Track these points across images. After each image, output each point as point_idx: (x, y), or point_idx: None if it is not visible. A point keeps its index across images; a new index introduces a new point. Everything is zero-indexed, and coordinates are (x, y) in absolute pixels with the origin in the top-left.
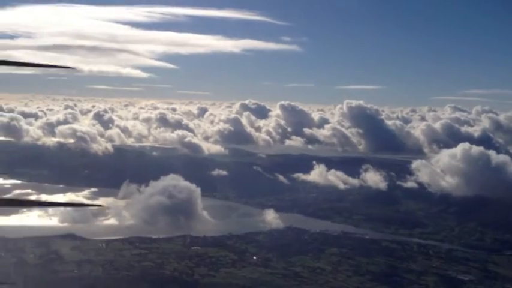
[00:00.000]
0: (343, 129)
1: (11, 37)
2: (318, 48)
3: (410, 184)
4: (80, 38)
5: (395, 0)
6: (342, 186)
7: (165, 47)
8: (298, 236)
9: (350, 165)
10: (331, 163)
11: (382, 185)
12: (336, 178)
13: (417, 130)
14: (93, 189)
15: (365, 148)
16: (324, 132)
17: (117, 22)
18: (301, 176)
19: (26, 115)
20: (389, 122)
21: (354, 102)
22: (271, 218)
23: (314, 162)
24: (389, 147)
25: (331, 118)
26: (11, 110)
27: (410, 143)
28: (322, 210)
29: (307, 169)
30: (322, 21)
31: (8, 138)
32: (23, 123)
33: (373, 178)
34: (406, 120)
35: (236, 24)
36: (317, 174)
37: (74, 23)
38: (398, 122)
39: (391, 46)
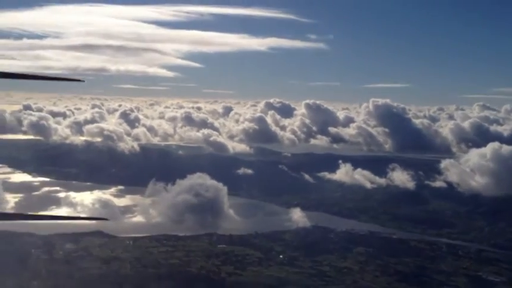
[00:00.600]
0: (369, 128)
1: (40, 37)
2: (344, 46)
3: (438, 184)
4: (107, 37)
5: None
6: (368, 185)
7: (190, 45)
8: (325, 235)
9: (376, 164)
10: (357, 162)
11: (410, 184)
12: (362, 177)
13: (445, 129)
14: (119, 187)
15: (391, 147)
16: (349, 131)
17: (144, 21)
18: (327, 175)
19: (54, 114)
20: (416, 121)
21: (380, 101)
22: (296, 216)
23: (340, 161)
24: (416, 146)
25: (356, 117)
26: (39, 109)
27: (438, 142)
28: (348, 209)
29: (333, 168)
30: (348, 19)
31: (37, 137)
32: (51, 122)
33: (401, 177)
34: (434, 119)
35: (262, 23)
36: (343, 173)
37: (102, 23)
38: (425, 121)
39: (418, 44)
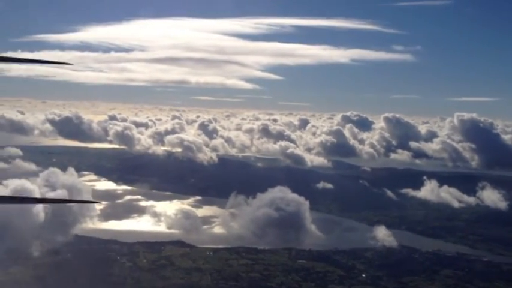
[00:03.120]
0: (454, 144)
1: (127, 50)
2: (432, 57)
3: None
4: (189, 50)
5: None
6: (455, 204)
7: (270, 58)
8: (409, 255)
9: (463, 181)
10: (442, 179)
11: (502, 204)
12: (449, 195)
13: None
14: (197, 198)
15: (479, 164)
16: (432, 146)
17: (225, 34)
18: (411, 192)
19: (137, 124)
20: (505, 137)
21: (466, 115)
22: (378, 234)
23: (424, 177)
24: (506, 163)
25: (439, 131)
26: (124, 120)
27: None
28: (433, 229)
29: (416, 184)
30: (437, 29)
31: (121, 146)
32: (135, 132)
33: (491, 196)
34: None
35: (345, 34)
36: (428, 190)
37: (185, 36)
38: None
39: (507, 56)
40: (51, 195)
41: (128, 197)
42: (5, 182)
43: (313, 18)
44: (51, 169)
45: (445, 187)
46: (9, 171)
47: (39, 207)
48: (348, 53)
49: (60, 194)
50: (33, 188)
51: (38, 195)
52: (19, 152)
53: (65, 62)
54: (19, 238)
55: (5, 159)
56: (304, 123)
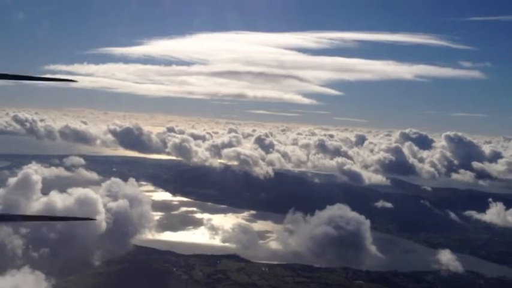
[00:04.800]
0: None
1: (188, 64)
2: (502, 74)
3: None
4: (249, 64)
5: None
6: None
7: (331, 72)
8: (473, 280)
9: None
10: (507, 202)
11: None
12: None
13: None
14: (252, 212)
15: None
16: (496, 167)
17: (286, 48)
18: (474, 215)
19: (195, 137)
20: None
21: None
22: (439, 257)
23: (489, 199)
24: None
25: (503, 152)
26: (181, 132)
27: None
28: (499, 254)
29: (479, 206)
30: (509, 46)
31: (179, 158)
32: (192, 144)
33: None
34: None
35: (410, 49)
36: (493, 213)
37: (245, 50)
38: None
39: None
40: (113, 205)
41: (184, 209)
42: (69, 190)
43: (377, 32)
44: (113, 179)
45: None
46: (72, 180)
47: (102, 217)
48: (413, 68)
49: (121, 204)
50: (96, 197)
51: (100, 205)
52: (82, 160)
53: (73, 79)
54: (80, 247)
55: (68, 168)
56: (361, 140)
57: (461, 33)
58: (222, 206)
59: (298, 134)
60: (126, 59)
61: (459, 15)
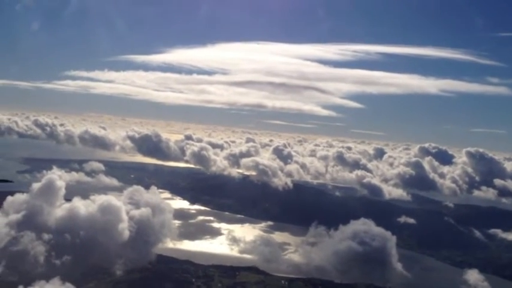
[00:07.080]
0: None
1: (208, 73)
2: None
3: None
4: (269, 74)
5: None
6: None
7: (353, 85)
8: None
9: None
10: None
11: None
12: None
13: None
14: (269, 223)
15: None
16: None
17: (308, 59)
18: (499, 233)
19: (213, 145)
20: None
21: None
22: (465, 277)
23: None
24: None
25: None
26: (199, 140)
27: None
28: None
29: (501, 224)
30: None
31: (197, 166)
32: (211, 153)
33: None
34: None
35: (436, 63)
36: None
37: (266, 60)
38: None
39: None
40: (135, 213)
41: (201, 218)
42: (91, 197)
43: (402, 46)
44: (135, 186)
45: None
46: (93, 186)
47: (125, 225)
48: (438, 83)
49: (144, 212)
50: (120, 204)
51: (123, 212)
52: (101, 166)
53: None
54: (102, 254)
55: (88, 173)
56: (379, 153)
57: (489, 49)
58: (239, 216)
59: (316, 145)
60: (146, 67)
61: (487, 31)
